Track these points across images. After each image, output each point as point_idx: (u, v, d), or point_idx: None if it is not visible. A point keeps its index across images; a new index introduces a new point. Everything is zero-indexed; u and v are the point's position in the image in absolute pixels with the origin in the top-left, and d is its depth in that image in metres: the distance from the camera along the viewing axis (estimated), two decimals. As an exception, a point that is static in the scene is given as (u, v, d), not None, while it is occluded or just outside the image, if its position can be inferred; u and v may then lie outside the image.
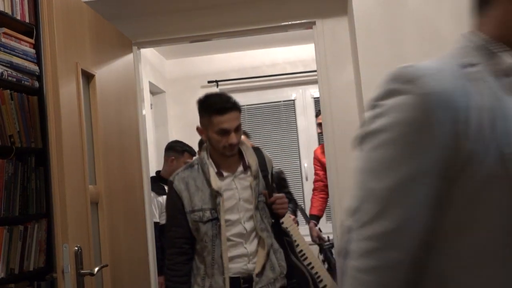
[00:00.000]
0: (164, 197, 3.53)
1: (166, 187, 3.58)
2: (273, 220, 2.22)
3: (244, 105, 5.31)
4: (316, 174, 3.96)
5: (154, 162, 4.12)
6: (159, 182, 3.55)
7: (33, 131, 2.30)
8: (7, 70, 2.17)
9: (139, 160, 2.86)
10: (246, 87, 5.06)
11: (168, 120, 5.01)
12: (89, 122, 2.31)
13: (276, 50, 5.07)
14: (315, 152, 4.05)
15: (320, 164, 3.88)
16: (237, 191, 2.11)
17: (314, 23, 2.88)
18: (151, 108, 4.77)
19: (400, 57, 2.51)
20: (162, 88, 4.93)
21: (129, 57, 2.88)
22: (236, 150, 2.13)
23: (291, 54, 5.07)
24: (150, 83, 4.51)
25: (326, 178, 3.81)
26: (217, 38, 3.08)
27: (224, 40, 3.48)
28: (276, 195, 2.19)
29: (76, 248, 1.97)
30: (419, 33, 2.51)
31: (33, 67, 2.32)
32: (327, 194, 3.88)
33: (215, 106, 2.05)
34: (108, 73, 2.53)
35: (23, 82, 2.26)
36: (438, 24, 2.50)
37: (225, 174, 2.12)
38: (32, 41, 2.35)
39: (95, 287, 2.13)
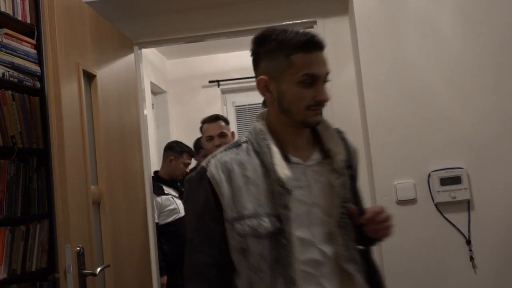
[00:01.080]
0: (163, 197, 3.52)
1: (164, 187, 3.58)
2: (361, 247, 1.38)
3: (245, 105, 5.31)
4: None
5: (155, 162, 4.12)
6: (157, 182, 3.54)
7: (34, 132, 2.30)
8: (8, 71, 2.17)
9: (140, 160, 2.86)
10: (247, 87, 5.06)
11: (169, 120, 5.01)
12: (90, 122, 2.31)
13: (277, 49, 5.07)
14: None
15: None
16: (309, 190, 1.32)
17: (315, 22, 2.87)
18: (153, 108, 4.78)
19: (401, 56, 2.50)
20: (164, 88, 4.94)
21: (130, 57, 2.88)
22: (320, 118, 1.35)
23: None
24: (151, 83, 4.52)
25: None
26: (218, 38, 3.08)
27: (225, 40, 3.48)
28: (374, 209, 1.33)
29: (78, 249, 1.97)
30: (420, 32, 2.50)
31: (35, 67, 2.32)
32: None
33: (298, 39, 1.29)
34: (109, 73, 2.53)
35: (24, 82, 2.26)
36: (438, 23, 2.50)
37: (293, 159, 1.33)
38: (33, 41, 2.35)
39: (97, 287, 2.14)
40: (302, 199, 1.29)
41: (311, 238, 1.29)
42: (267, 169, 1.29)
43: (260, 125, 1.36)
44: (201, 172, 1.34)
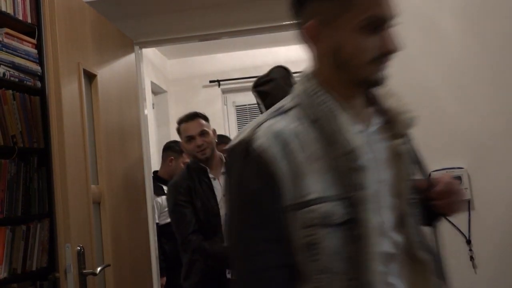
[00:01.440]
0: (163, 197, 3.52)
1: (164, 187, 3.58)
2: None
3: (245, 105, 5.31)
4: None
5: (156, 162, 4.13)
6: (157, 182, 3.54)
7: (35, 131, 2.30)
8: (9, 71, 2.17)
9: (141, 160, 2.86)
10: (248, 87, 5.04)
11: (170, 120, 5.02)
12: (91, 122, 2.31)
13: (278, 49, 5.08)
14: None
15: None
16: (375, 164, 1.02)
17: (315, 22, 2.87)
18: (153, 108, 4.78)
19: (401, 55, 2.49)
20: (164, 88, 4.95)
21: (131, 57, 2.89)
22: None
23: (293, 53, 5.07)
24: (152, 83, 4.53)
25: None
26: (218, 37, 3.08)
27: (225, 39, 3.48)
28: (446, 179, 1.11)
29: (79, 248, 1.97)
30: (420, 31, 2.50)
31: (35, 67, 2.33)
32: None
33: None
34: (110, 73, 2.53)
35: (25, 82, 2.26)
36: (439, 22, 2.50)
37: (357, 127, 1.04)
38: (34, 41, 2.36)
39: (97, 287, 2.14)
40: (372, 176, 0.99)
41: (383, 225, 1.00)
42: (330, 141, 0.99)
43: (314, 86, 1.04)
44: (244, 148, 0.99)
